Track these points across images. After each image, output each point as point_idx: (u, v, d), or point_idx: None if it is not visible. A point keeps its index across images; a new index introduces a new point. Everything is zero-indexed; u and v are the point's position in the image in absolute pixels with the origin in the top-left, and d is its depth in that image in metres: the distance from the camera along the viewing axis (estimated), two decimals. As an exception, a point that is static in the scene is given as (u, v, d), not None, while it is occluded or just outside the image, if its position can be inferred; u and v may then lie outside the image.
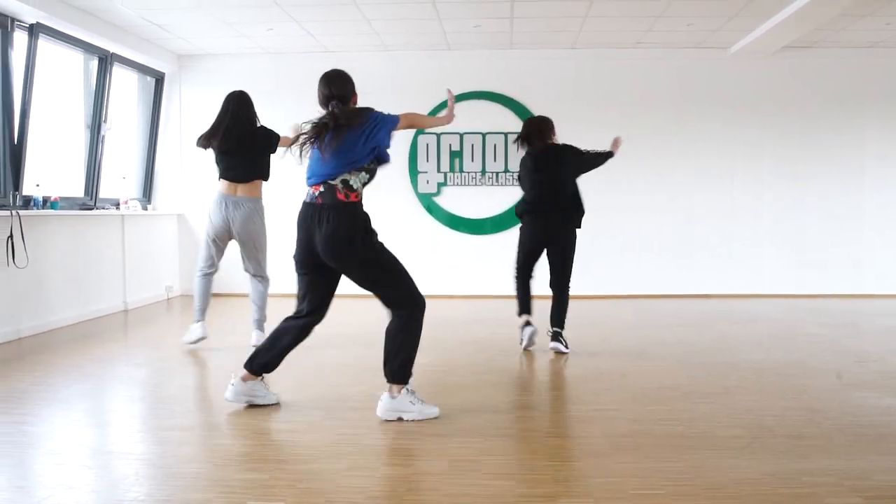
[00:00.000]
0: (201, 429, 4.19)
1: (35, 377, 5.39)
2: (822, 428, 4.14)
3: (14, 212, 6.78)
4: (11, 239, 6.74)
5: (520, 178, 6.60)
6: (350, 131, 4.25)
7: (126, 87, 9.74)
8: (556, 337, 6.18)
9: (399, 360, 4.26)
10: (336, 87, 4.47)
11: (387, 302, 4.34)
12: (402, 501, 3.13)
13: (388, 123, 4.36)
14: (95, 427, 4.33)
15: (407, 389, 4.28)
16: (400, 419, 4.22)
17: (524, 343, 6.25)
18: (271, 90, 9.44)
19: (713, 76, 9.90)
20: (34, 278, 7.11)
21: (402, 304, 4.31)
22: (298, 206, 4.32)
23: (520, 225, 6.48)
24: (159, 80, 10.10)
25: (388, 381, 4.28)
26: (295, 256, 4.35)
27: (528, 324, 6.31)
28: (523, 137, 6.36)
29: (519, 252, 6.41)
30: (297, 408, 4.59)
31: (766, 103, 9.91)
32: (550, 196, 6.23)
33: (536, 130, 6.35)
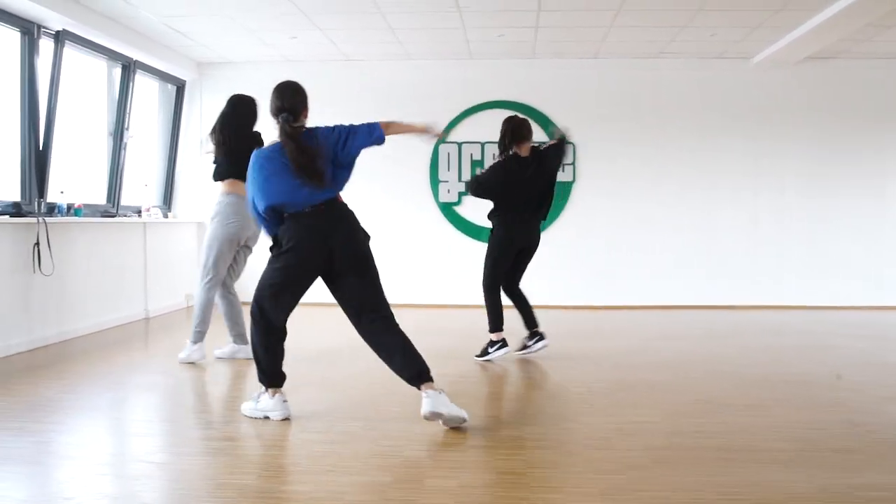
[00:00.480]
0: (241, 440, 4.15)
1: (64, 385, 5.37)
2: (867, 442, 4.10)
3: (40, 219, 6.77)
4: (38, 246, 6.73)
5: (496, 183, 6.20)
6: (322, 161, 4.29)
7: (147, 95, 9.74)
8: (541, 336, 6.33)
9: (419, 355, 4.32)
10: (287, 99, 4.48)
11: (377, 302, 4.39)
12: (454, 515, 3.11)
13: (359, 135, 4.42)
14: (134, 437, 4.29)
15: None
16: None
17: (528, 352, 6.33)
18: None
19: (735, 86, 9.87)
20: (59, 285, 7.10)
21: (386, 303, 4.42)
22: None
23: (495, 231, 6.28)
24: (180, 87, 10.10)
25: (425, 381, 4.27)
26: (296, 270, 4.36)
27: (541, 336, 6.33)
28: (513, 138, 6.19)
29: (501, 259, 6.23)
30: (332, 419, 4.55)
31: (788, 114, 9.87)
32: (536, 198, 6.21)
33: (527, 131, 6.26)
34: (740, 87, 9.87)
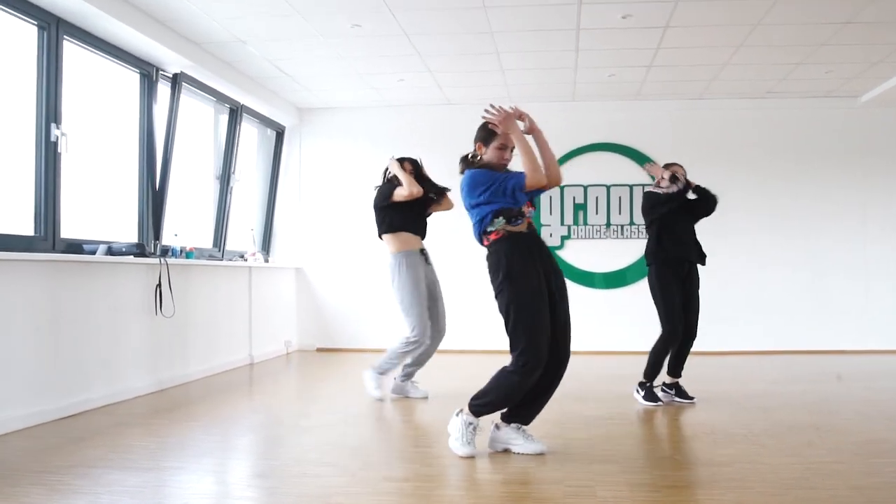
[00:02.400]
0: (419, 481, 3.97)
1: (202, 427, 5.27)
2: None
3: (163, 260, 6.71)
4: (160, 287, 6.66)
5: (663, 218, 6.06)
6: None
7: (247, 140, 9.74)
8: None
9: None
10: None
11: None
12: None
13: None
14: (301, 477, 4.10)
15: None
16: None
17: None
18: (389, 142, 9.37)
19: (843, 125, 9.62)
20: (177, 328, 7.02)
21: (512, 351, 4.35)
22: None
23: (659, 272, 6.03)
24: (280, 133, 10.11)
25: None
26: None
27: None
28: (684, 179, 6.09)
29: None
30: (498, 458, 4.36)
31: (896, 153, 9.62)
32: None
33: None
34: (848, 127, 9.63)
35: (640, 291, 9.62)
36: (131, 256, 6.35)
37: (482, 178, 4.42)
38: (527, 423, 4.51)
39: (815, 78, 8.65)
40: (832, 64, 8.13)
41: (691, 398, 6.04)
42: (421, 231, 6.36)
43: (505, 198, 4.38)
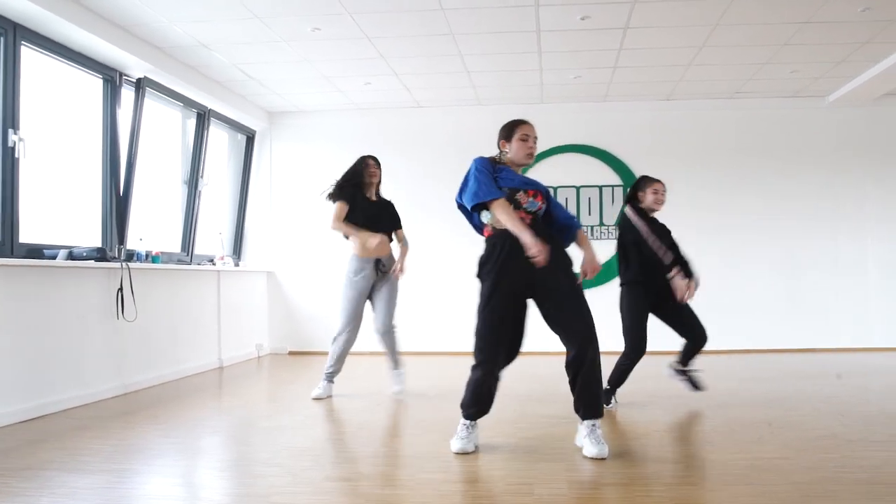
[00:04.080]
0: (362, 481, 3.98)
1: (162, 430, 5.25)
2: None
3: (124, 264, 6.71)
4: (121, 292, 6.67)
5: (637, 242, 5.78)
6: None
7: (217, 145, 9.74)
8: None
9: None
10: None
11: None
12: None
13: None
14: (255, 478, 4.11)
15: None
16: None
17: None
18: (360, 146, 9.39)
19: (810, 125, 9.69)
20: (140, 332, 7.02)
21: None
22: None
23: (629, 292, 5.82)
24: (250, 137, 10.11)
25: None
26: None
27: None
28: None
29: None
30: (445, 458, 4.38)
31: (866, 152, 9.65)
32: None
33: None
34: (816, 127, 9.69)
35: (609, 293, 9.70)
36: (92, 261, 6.36)
37: (480, 165, 4.50)
38: (584, 417, 4.40)
39: (781, 78, 8.70)
40: (797, 64, 8.18)
41: (699, 388, 6.04)
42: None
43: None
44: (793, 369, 8.01)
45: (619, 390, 5.98)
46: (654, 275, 5.70)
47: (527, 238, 4.21)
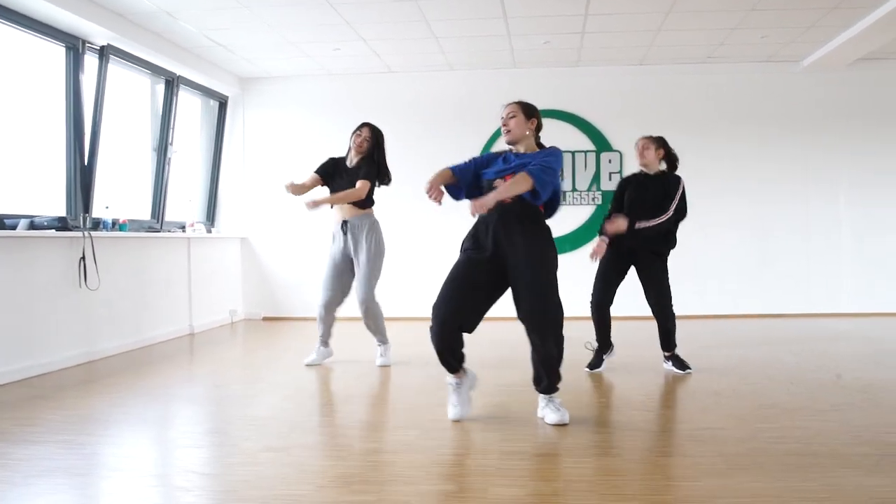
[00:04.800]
0: (298, 449, 4.01)
1: (115, 399, 5.29)
2: (952, 446, 3.88)
3: (86, 233, 6.72)
4: (84, 261, 6.68)
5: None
6: None
7: (190, 111, 9.71)
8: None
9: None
10: None
11: None
12: (526, 523, 2.94)
13: None
14: (189, 449, 4.15)
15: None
16: None
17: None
18: (333, 111, 9.45)
19: (784, 90, 9.65)
20: (104, 301, 7.05)
21: None
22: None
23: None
24: (223, 103, 10.07)
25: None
26: None
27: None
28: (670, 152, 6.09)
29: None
30: (387, 428, 4.44)
31: (840, 117, 9.63)
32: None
33: None
34: (790, 92, 9.65)
35: (583, 258, 9.73)
36: (53, 231, 6.37)
37: (471, 161, 4.67)
38: (542, 392, 4.54)
39: (752, 43, 8.65)
40: (766, 28, 8.13)
41: (687, 368, 6.02)
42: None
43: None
44: (760, 335, 8.05)
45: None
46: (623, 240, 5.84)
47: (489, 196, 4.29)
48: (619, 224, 5.72)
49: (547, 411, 4.47)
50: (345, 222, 6.39)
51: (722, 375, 5.86)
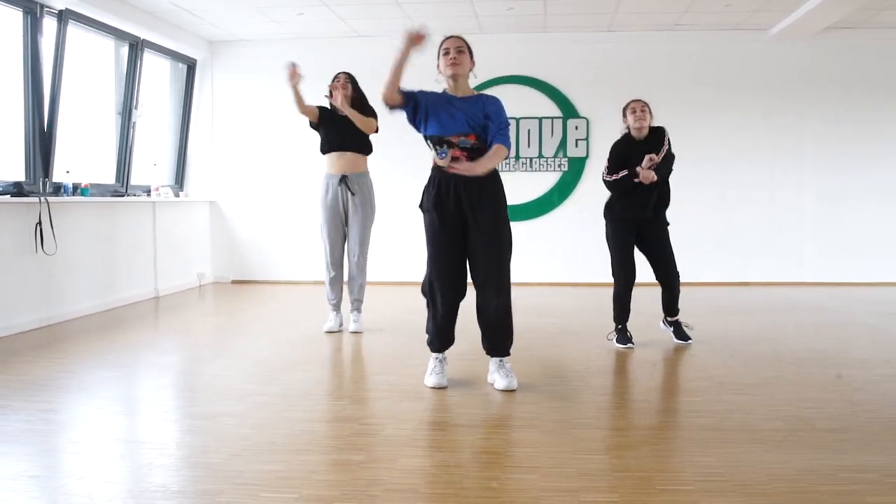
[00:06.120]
0: (225, 417, 4.08)
1: (62, 365, 5.35)
2: (862, 421, 3.95)
3: (42, 198, 6.76)
4: (40, 226, 6.72)
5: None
6: None
7: (158, 74, 9.70)
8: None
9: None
10: None
11: None
12: (419, 495, 3.01)
13: None
14: (118, 416, 4.24)
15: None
16: None
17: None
18: (304, 75, 9.39)
19: (753, 58, 9.64)
20: (63, 265, 7.09)
21: None
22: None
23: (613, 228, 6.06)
24: (191, 66, 10.06)
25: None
26: None
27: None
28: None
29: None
30: (319, 397, 4.52)
31: (807, 86, 9.63)
32: None
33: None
34: (758, 60, 9.64)
35: (551, 224, 9.77)
36: (8, 196, 6.40)
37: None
38: (491, 355, 4.64)
39: (716, 11, 8.65)
40: (729, -3, 8.14)
41: (687, 339, 6.03)
42: (343, 150, 6.37)
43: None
44: (718, 304, 8.11)
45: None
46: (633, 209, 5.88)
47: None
48: (648, 173, 5.74)
49: (497, 376, 4.55)
50: (344, 176, 6.33)
51: (665, 347, 5.92)
